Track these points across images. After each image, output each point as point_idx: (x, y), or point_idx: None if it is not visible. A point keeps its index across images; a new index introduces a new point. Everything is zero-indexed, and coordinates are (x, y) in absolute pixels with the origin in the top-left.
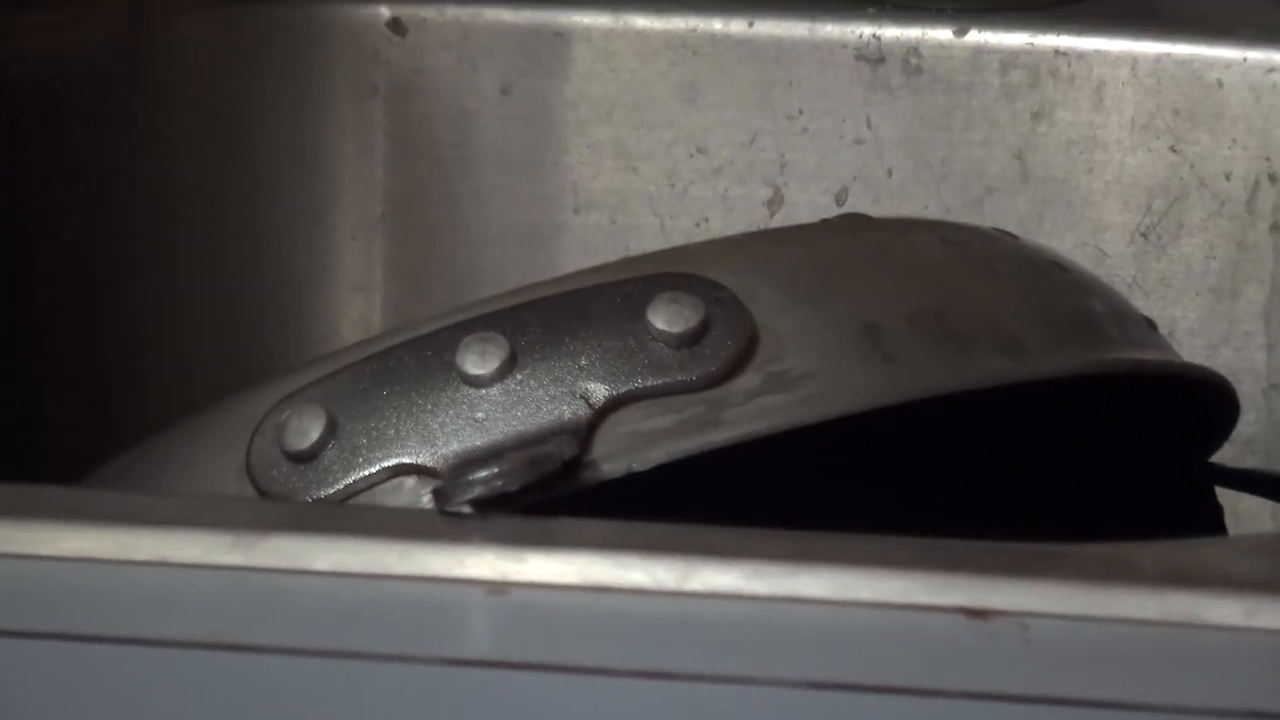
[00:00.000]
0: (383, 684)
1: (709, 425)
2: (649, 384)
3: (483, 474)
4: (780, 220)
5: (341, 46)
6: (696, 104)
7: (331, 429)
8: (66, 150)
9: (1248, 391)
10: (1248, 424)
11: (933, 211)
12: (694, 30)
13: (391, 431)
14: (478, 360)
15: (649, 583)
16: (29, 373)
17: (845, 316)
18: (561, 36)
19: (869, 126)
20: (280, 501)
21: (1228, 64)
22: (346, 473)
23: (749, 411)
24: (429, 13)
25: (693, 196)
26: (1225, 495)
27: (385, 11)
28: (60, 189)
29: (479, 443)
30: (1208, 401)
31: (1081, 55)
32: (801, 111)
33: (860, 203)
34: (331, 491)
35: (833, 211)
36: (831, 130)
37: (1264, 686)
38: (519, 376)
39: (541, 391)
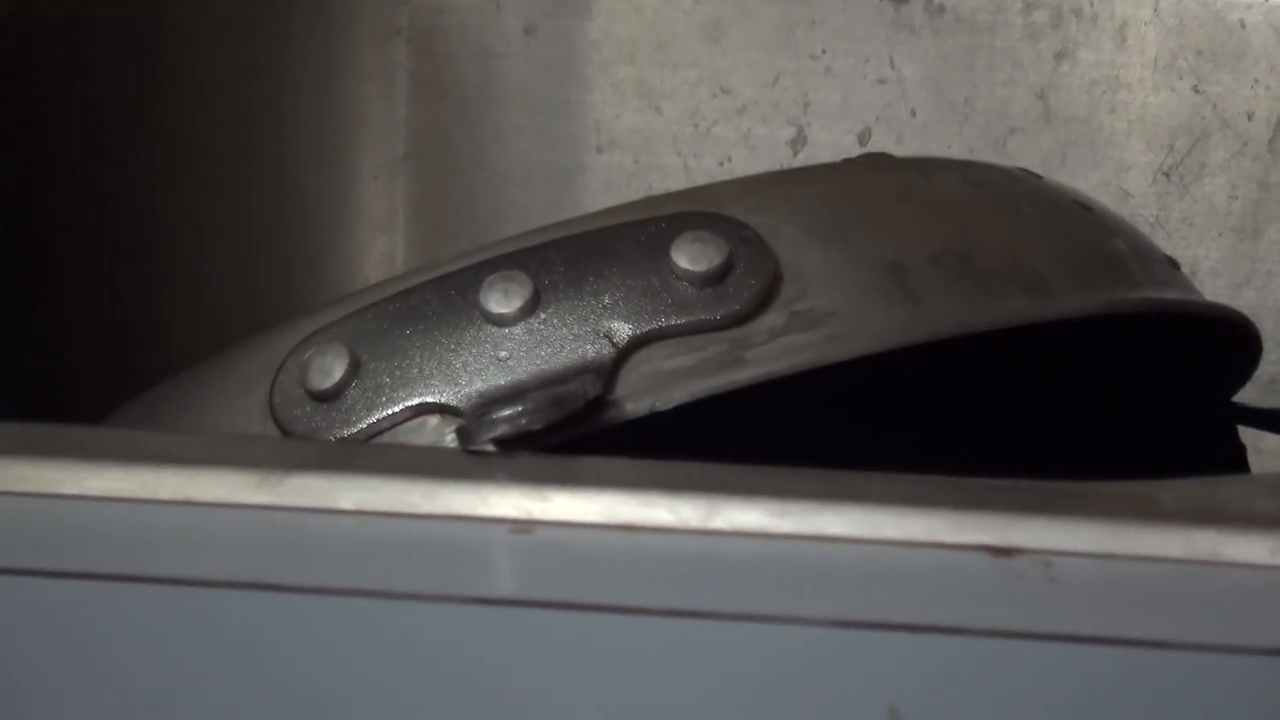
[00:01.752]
0: (407, 622)
1: (732, 364)
2: (672, 323)
3: (506, 413)
4: (803, 160)
5: None
6: (720, 44)
7: (355, 368)
8: (88, 93)
9: (1270, 331)
10: (1270, 363)
11: (956, 151)
12: None
13: (415, 370)
14: (501, 299)
15: (673, 521)
16: (49, 316)
17: (869, 256)
18: None
19: (892, 66)
20: (304, 441)
21: (1250, 4)
22: (370, 412)
23: (772, 350)
24: None
25: (716, 136)
26: (1247, 434)
27: None
28: (81, 132)
29: (502, 381)
30: (1230, 341)
31: None
32: (825, 51)
33: (883, 142)
34: (355, 431)
35: (856, 151)
36: (855, 70)
37: None
38: (542, 315)
39: (565, 330)
